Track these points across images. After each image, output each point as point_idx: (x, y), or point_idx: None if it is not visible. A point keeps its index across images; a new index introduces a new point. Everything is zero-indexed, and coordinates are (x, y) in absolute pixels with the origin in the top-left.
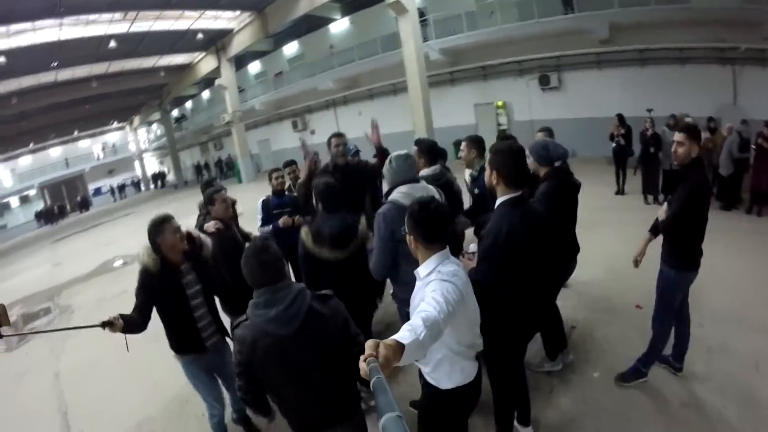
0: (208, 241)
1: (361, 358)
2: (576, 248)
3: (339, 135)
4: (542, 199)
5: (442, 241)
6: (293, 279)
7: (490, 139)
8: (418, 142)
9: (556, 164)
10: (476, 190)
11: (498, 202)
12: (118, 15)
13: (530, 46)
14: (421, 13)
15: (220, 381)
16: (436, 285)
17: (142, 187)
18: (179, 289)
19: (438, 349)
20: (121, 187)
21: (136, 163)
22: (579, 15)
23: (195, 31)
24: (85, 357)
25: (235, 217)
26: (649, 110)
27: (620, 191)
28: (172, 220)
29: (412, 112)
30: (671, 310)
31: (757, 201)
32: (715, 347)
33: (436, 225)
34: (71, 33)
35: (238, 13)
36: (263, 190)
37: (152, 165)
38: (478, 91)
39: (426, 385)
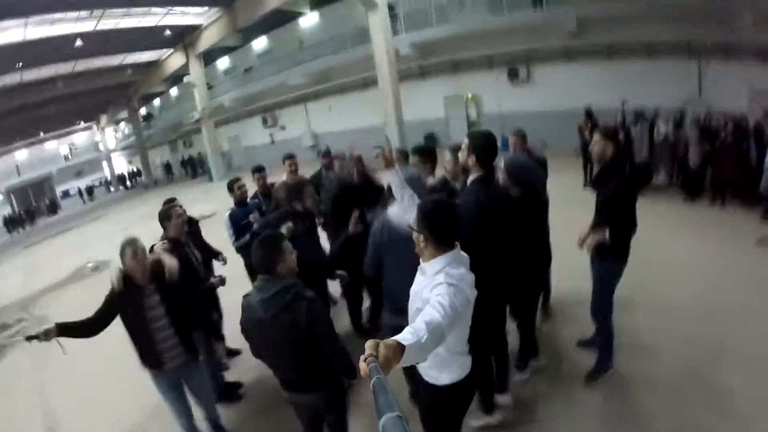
0: (173, 265)
1: (361, 358)
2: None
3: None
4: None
5: (453, 242)
6: None
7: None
8: (417, 151)
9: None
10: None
11: (471, 179)
12: (84, 13)
13: (499, 40)
14: (391, 7)
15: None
16: (443, 289)
17: (112, 188)
18: (139, 309)
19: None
20: (90, 189)
21: (105, 164)
22: (548, 9)
23: (162, 28)
24: (69, 366)
25: (193, 232)
26: (624, 102)
27: (588, 183)
28: (132, 246)
29: (383, 106)
30: (611, 300)
31: (720, 191)
32: (678, 336)
33: (449, 225)
34: (37, 33)
35: (206, 8)
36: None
37: (121, 165)
38: (448, 85)
39: (424, 383)
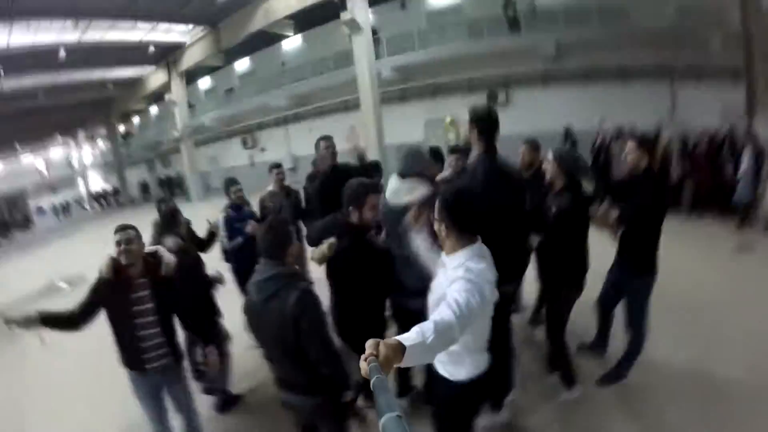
0: (170, 258)
1: (362, 357)
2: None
3: (327, 138)
4: (561, 212)
5: (475, 233)
6: None
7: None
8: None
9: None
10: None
11: (474, 154)
12: (69, 23)
13: (479, 64)
14: (374, 31)
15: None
16: (461, 285)
17: (87, 207)
18: (127, 303)
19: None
20: (66, 206)
21: (80, 180)
22: (526, 35)
23: (147, 44)
24: (52, 384)
25: (193, 238)
26: (602, 120)
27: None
28: (120, 232)
29: (365, 128)
30: (647, 312)
31: (697, 205)
32: (671, 336)
33: (472, 213)
34: (20, 39)
35: (191, 26)
36: (213, 209)
37: (97, 182)
38: (428, 108)
39: (439, 378)
